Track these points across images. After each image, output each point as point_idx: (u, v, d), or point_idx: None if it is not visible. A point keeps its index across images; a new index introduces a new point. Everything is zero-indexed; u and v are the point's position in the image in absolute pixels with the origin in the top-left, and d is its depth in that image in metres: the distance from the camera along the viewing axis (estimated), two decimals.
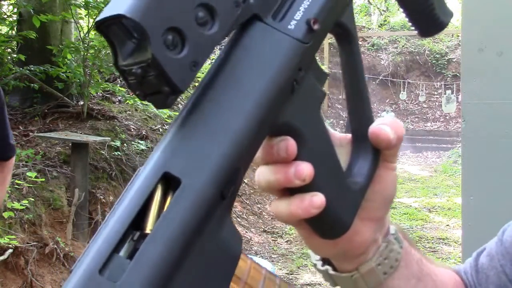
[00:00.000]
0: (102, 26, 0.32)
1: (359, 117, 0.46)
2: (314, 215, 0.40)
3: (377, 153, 0.45)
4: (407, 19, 0.50)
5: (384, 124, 0.44)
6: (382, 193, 0.46)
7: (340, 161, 0.43)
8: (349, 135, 0.47)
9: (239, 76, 0.35)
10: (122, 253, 0.30)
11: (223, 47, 0.38)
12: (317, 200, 0.39)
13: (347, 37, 0.44)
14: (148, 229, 0.30)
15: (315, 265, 0.52)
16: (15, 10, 5.61)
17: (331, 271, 0.50)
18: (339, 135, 0.47)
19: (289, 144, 0.38)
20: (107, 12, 0.31)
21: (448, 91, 13.93)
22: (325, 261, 0.51)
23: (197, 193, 0.31)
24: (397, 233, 0.49)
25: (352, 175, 0.45)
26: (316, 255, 0.51)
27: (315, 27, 0.39)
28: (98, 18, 0.32)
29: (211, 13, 0.33)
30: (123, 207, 0.31)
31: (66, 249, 4.15)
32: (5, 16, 5.55)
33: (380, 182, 0.45)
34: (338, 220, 0.43)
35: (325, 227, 0.43)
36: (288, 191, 0.41)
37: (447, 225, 6.39)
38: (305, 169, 0.39)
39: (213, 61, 0.37)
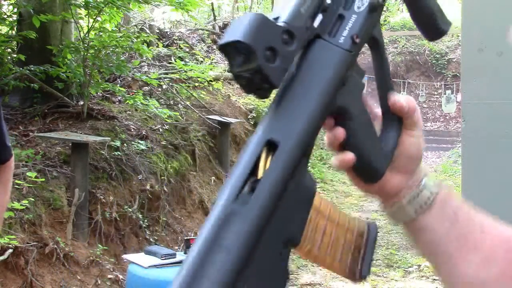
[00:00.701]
0: (221, 46, 0.48)
1: (387, 100, 0.63)
2: (350, 165, 0.59)
3: (399, 124, 0.63)
4: (417, 28, 0.67)
5: (401, 96, 0.63)
6: (405, 153, 0.63)
7: None
8: (380, 114, 0.64)
9: (310, 75, 0.53)
10: (245, 190, 0.47)
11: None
12: (348, 156, 0.58)
13: (377, 46, 0.62)
14: (259, 176, 0.47)
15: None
16: (15, 10, 5.61)
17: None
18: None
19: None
20: (228, 38, 0.47)
21: (448, 91, 13.95)
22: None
23: (289, 152, 0.49)
24: (429, 184, 0.64)
25: (383, 140, 0.62)
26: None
27: (357, 40, 0.56)
28: (221, 42, 0.48)
29: (291, 36, 0.50)
30: (243, 161, 0.48)
31: (66, 249, 4.15)
32: (5, 16, 5.54)
33: (403, 144, 0.63)
34: (375, 169, 0.61)
35: (366, 174, 0.61)
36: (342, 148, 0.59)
37: None
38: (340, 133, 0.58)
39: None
